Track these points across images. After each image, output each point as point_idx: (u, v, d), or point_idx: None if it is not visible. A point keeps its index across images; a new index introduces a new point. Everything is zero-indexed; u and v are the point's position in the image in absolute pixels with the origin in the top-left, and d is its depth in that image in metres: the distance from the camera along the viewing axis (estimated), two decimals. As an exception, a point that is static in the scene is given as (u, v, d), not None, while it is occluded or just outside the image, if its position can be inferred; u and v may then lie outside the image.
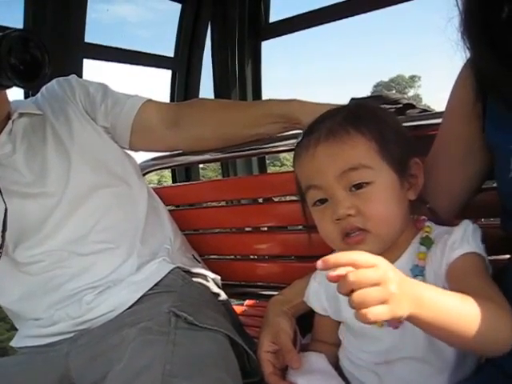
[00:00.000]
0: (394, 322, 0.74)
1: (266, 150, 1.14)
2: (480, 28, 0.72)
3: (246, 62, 2.16)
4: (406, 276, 0.74)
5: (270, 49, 2.26)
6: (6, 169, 1.03)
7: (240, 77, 2.16)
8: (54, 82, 1.16)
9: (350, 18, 1.94)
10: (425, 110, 1.00)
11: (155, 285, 1.00)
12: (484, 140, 0.77)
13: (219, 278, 1.15)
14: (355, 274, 0.56)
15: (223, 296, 1.12)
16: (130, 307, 0.97)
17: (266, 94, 2.30)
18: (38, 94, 1.17)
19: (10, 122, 1.06)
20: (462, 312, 0.62)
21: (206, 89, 2.15)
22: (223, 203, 1.34)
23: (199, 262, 1.17)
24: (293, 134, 1.05)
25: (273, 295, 1.14)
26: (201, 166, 2.66)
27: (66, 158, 1.05)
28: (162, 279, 1.02)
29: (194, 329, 0.87)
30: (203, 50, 2.03)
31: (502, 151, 0.73)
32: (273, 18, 2.16)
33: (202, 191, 1.26)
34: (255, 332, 1.12)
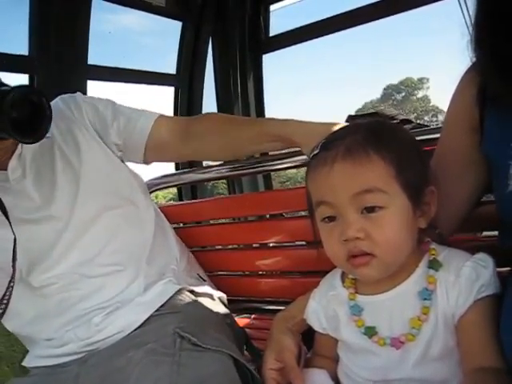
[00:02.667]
0: (396, 342, 0.75)
1: (272, 167, 1.15)
2: (487, 39, 0.71)
3: (248, 76, 2.18)
4: (413, 299, 0.75)
5: (274, 56, 2.26)
6: (17, 194, 1.04)
7: (242, 90, 2.18)
8: (58, 100, 1.16)
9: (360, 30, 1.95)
10: (420, 126, 1.01)
11: (161, 306, 1.02)
12: (481, 153, 0.77)
13: (225, 296, 1.16)
14: None
15: (228, 315, 1.12)
16: (137, 328, 0.98)
17: (269, 106, 2.31)
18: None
19: (20, 146, 1.06)
20: None
21: (208, 104, 2.18)
22: (230, 220, 1.35)
23: (204, 280, 1.18)
24: (298, 152, 1.06)
25: (279, 310, 1.14)
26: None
27: (74, 180, 1.06)
28: (168, 300, 1.03)
29: (199, 350, 0.88)
30: (205, 65, 2.06)
31: (499, 165, 0.72)
32: (274, 31, 2.18)
33: (209, 209, 1.27)
34: (262, 345, 1.13)
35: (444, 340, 0.74)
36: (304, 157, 0.91)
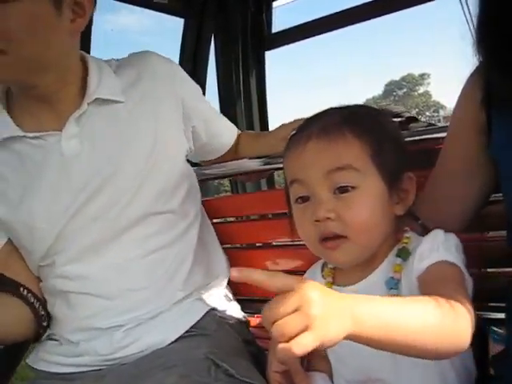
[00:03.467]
0: None
1: (275, 165, 1.15)
2: (490, 42, 0.71)
3: (250, 73, 2.17)
4: (381, 289, 0.74)
5: (275, 53, 2.25)
6: (63, 171, 0.94)
7: (244, 87, 2.17)
8: (153, 56, 1.07)
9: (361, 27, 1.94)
10: (430, 125, 1.00)
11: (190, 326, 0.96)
12: (489, 155, 0.76)
13: (248, 320, 1.12)
14: (268, 305, 0.52)
15: (253, 342, 1.08)
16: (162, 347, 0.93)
17: (271, 103, 2.30)
18: (125, 63, 1.06)
19: (85, 104, 0.97)
20: (411, 322, 0.57)
21: (210, 101, 2.15)
22: (233, 219, 1.34)
23: (231, 299, 1.13)
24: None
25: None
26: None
27: (138, 176, 0.97)
28: (197, 321, 0.97)
29: (233, 382, 0.83)
30: (207, 63, 2.05)
31: (507, 168, 0.72)
32: (276, 28, 2.17)
33: (212, 208, 1.26)
34: (267, 344, 1.12)
35: None
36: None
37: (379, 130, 0.77)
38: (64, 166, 0.95)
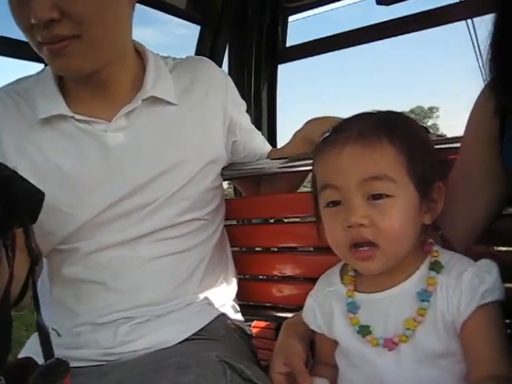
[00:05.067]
0: (389, 343, 0.72)
1: (278, 170, 1.14)
2: (503, 58, 0.72)
3: (262, 85, 2.18)
4: (411, 300, 0.73)
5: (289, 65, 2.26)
6: (105, 161, 0.93)
7: (255, 100, 2.18)
8: (210, 65, 1.09)
9: (373, 51, 1.95)
10: (439, 136, 1.00)
11: (200, 329, 0.95)
12: (502, 165, 0.76)
13: (252, 334, 1.12)
14: None
15: (256, 353, 1.07)
16: (168, 347, 0.90)
17: (280, 118, 2.31)
18: (182, 65, 1.07)
19: (140, 100, 0.97)
20: None
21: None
22: (234, 222, 1.33)
23: (238, 311, 1.11)
24: (304, 155, 1.05)
25: (282, 317, 1.12)
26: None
27: (171, 185, 0.97)
28: (206, 324, 0.96)
29: None
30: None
31: None
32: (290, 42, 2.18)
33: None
34: (262, 354, 1.10)
35: (444, 344, 0.71)
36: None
37: (413, 139, 0.76)
38: (106, 157, 0.94)
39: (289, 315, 1.00)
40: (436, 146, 0.92)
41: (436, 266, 0.74)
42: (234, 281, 1.14)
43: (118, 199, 0.94)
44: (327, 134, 0.79)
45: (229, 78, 1.13)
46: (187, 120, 1.00)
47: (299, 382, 0.80)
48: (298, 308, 0.93)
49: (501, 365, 0.68)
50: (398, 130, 0.75)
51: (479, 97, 0.81)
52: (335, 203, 0.75)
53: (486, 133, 0.78)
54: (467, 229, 0.84)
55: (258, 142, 1.18)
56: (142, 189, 0.95)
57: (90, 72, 0.91)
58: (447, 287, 0.72)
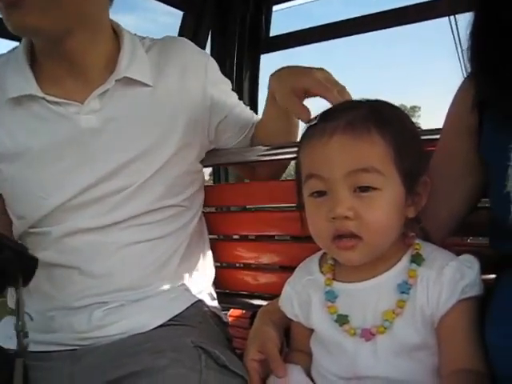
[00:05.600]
0: (367, 333, 0.72)
1: (259, 158, 1.13)
2: (482, 49, 0.73)
3: (244, 75, 2.17)
4: (390, 291, 0.73)
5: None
6: (77, 145, 0.91)
7: (237, 89, 2.16)
8: (188, 45, 1.05)
9: (357, 49, 1.96)
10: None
11: (175, 315, 0.94)
12: (480, 156, 0.77)
13: (228, 321, 1.11)
14: None
15: (231, 340, 1.07)
16: (142, 332, 0.89)
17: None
18: (159, 45, 1.03)
19: (113, 80, 0.93)
20: None
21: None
22: (212, 209, 1.32)
23: (215, 298, 1.11)
24: (286, 144, 1.05)
25: (258, 305, 1.12)
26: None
27: (146, 170, 0.95)
28: (182, 311, 0.95)
29: (224, 373, 0.80)
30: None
31: (497, 167, 0.73)
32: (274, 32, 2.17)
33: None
34: (237, 343, 1.10)
35: (421, 337, 0.71)
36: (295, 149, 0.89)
37: (403, 131, 0.75)
38: (79, 140, 0.92)
39: (265, 303, 1.01)
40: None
41: (417, 259, 0.74)
42: (212, 268, 1.13)
43: (91, 184, 0.92)
44: (314, 122, 0.77)
45: (210, 57, 1.09)
46: (163, 102, 0.97)
47: (273, 368, 0.79)
48: (274, 296, 0.92)
49: (474, 359, 0.68)
50: (388, 121, 0.73)
51: (459, 90, 0.81)
52: (320, 193, 0.73)
53: (464, 125, 0.78)
54: (444, 220, 0.85)
55: (247, 115, 1.14)
56: (115, 174, 0.93)
57: (50, 33, 0.88)
58: (428, 280, 0.72)
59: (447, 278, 0.71)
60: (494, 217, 0.78)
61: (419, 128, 1.01)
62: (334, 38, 2.03)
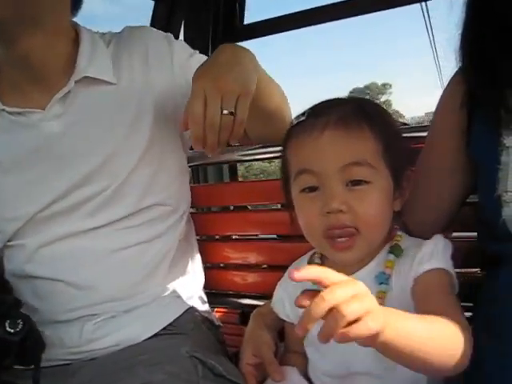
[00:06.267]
0: None
1: (238, 157, 1.12)
2: (473, 47, 0.73)
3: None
4: (370, 283, 0.73)
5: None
6: (44, 153, 0.88)
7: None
8: (150, 34, 1.00)
9: (329, 29, 1.93)
10: (403, 124, 1.02)
11: (168, 324, 0.92)
12: (469, 155, 0.77)
13: (221, 324, 1.10)
14: (330, 291, 0.52)
15: (225, 344, 1.06)
16: (136, 343, 0.88)
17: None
18: (121, 38, 0.98)
19: (72, 82, 0.89)
20: (429, 337, 0.59)
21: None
22: (193, 210, 1.31)
23: (206, 302, 1.09)
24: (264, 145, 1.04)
25: (246, 304, 1.12)
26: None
27: (119, 172, 0.92)
28: (175, 319, 0.94)
29: (221, 382, 0.80)
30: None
31: (487, 169, 0.73)
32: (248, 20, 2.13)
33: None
34: (227, 340, 1.10)
35: None
36: (277, 148, 0.87)
37: (388, 126, 0.77)
38: (44, 148, 0.89)
39: (252, 302, 1.00)
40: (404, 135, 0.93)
41: (395, 250, 0.76)
42: (201, 271, 1.11)
43: (62, 192, 0.89)
44: (302, 118, 0.77)
45: (172, 39, 1.02)
46: (128, 99, 0.94)
47: (269, 372, 0.80)
48: (261, 296, 0.93)
49: (450, 315, 0.66)
50: (375, 117, 0.75)
51: (449, 84, 0.81)
52: (312, 189, 0.74)
53: (454, 124, 0.79)
54: (435, 215, 0.86)
55: None
56: (88, 179, 0.90)
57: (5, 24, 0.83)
58: (404, 271, 0.73)
59: (411, 259, 0.73)
60: (483, 217, 0.78)
61: (407, 124, 1.03)
62: (309, 24, 2.00)
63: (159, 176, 0.97)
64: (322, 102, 0.80)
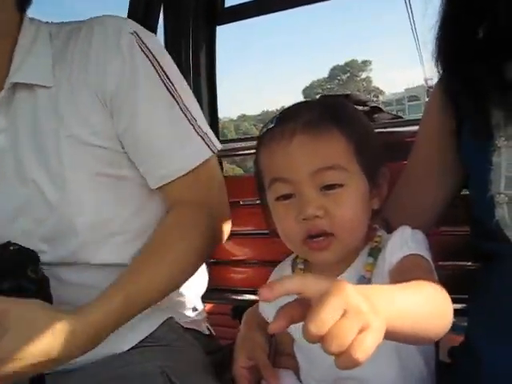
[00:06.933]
0: None
1: (223, 153, 1.10)
2: (452, 60, 0.72)
3: (200, 48, 2.08)
4: None
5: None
6: None
7: (194, 62, 2.08)
8: (102, 24, 0.85)
9: (309, 8, 1.90)
10: (396, 117, 1.00)
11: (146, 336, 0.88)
12: (459, 156, 0.77)
13: (213, 333, 1.07)
14: (310, 318, 0.46)
15: (219, 353, 1.03)
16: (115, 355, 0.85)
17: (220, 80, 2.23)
18: (70, 30, 0.86)
19: (5, 89, 0.80)
20: (421, 309, 0.57)
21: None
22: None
23: (197, 310, 1.06)
24: (251, 137, 1.02)
25: (234, 299, 1.11)
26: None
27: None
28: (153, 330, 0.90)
29: None
30: (155, 35, 1.93)
31: (479, 171, 0.72)
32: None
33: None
34: (219, 332, 1.10)
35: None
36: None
37: (359, 125, 0.75)
38: None
39: (245, 297, 1.00)
40: (394, 129, 0.93)
41: (374, 252, 0.75)
42: (198, 275, 1.06)
43: (11, 217, 0.84)
44: (271, 125, 0.76)
45: (129, 36, 0.88)
46: (60, 105, 0.83)
47: (264, 375, 0.80)
48: (254, 290, 0.92)
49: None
50: (344, 117, 0.74)
51: (434, 90, 0.80)
52: (286, 197, 0.73)
53: (443, 124, 0.80)
54: (426, 212, 0.86)
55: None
56: (29, 202, 0.83)
57: None
58: (382, 272, 0.72)
59: (387, 254, 0.72)
60: (476, 216, 0.78)
61: (400, 117, 1.01)
62: (291, 6, 1.96)
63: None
64: (290, 107, 0.79)
